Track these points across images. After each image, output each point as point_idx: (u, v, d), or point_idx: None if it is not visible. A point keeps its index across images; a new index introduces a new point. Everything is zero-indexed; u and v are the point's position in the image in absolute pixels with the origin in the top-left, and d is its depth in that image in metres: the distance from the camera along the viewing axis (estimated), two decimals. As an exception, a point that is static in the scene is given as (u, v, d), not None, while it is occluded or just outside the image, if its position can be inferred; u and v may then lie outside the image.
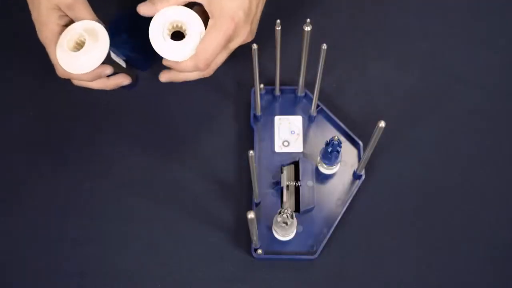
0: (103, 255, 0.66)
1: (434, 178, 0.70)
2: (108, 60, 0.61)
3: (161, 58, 0.60)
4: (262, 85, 0.72)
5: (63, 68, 0.59)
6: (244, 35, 0.60)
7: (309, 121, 0.73)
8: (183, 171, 0.71)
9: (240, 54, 0.76)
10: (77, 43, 0.59)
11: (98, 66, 0.59)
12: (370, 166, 0.68)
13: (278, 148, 0.71)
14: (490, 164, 0.70)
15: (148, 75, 0.75)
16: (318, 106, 0.71)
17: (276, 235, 0.66)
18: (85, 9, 0.60)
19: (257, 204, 0.67)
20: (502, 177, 0.70)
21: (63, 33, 0.59)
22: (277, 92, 0.73)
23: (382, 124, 0.54)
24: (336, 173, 0.69)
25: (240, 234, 0.67)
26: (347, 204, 0.67)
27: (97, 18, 0.61)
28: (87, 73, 0.59)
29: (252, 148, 0.69)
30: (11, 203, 0.70)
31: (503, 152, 0.71)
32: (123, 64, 0.67)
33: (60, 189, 0.70)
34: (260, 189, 0.67)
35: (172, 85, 0.78)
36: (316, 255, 0.64)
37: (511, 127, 0.73)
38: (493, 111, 0.74)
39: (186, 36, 0.58)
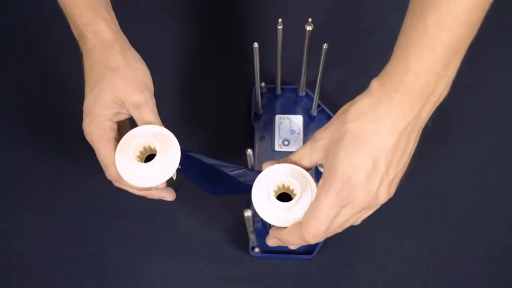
0: (104, 255, 0.66)
1: (434, 177, 0.70)
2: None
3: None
4: (263, 84, 0.73)
5: (118, 173, 0.50)
6: (363, 200, 0.45)
7: (309, 121, 0.73)
8: (183, 170, 0.70)
9: (242, 53, 0.76)
10: (141, 152, 0.51)
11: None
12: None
13: (278, 147, 0.71)
14: (491, 163, 0.71)
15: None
16: (319, 106, 0.72)
17: (276, 235, 0.66)
18: (152, 111, 0.51)
19: (257, 204, 0.67)
20: (502, 176, 0.70)
21: (126, 137, 0.51)
22: (278, 91, 0.73)
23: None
24: (336, 173, 0.69)
25: (240, 233, 0.66)
26: (348, 204, 0.67)
27: (161, 123, 0.52)
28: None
29: (252, 147, 0.69)
30: (11, 203, 0.70)
31: (504, 152, 0.71)
32: (174, 175, 0.54)
33: (60, 189, 0.70)
34: (261, 188, 0.67)
35: (172, 86, 0.78)
36: (313, 255, 0.64)
37: (511, 127, 0.73)
38: (493, 111, 0.74)
39: (294, 197, 0.47)
